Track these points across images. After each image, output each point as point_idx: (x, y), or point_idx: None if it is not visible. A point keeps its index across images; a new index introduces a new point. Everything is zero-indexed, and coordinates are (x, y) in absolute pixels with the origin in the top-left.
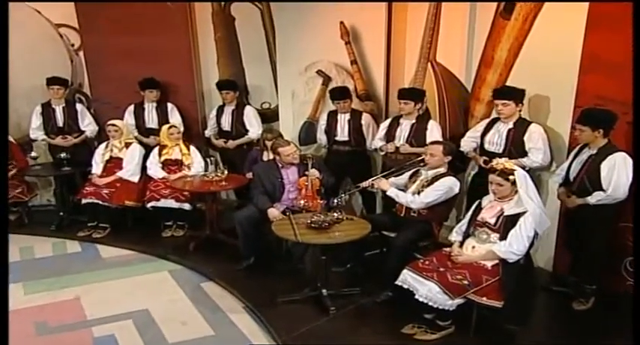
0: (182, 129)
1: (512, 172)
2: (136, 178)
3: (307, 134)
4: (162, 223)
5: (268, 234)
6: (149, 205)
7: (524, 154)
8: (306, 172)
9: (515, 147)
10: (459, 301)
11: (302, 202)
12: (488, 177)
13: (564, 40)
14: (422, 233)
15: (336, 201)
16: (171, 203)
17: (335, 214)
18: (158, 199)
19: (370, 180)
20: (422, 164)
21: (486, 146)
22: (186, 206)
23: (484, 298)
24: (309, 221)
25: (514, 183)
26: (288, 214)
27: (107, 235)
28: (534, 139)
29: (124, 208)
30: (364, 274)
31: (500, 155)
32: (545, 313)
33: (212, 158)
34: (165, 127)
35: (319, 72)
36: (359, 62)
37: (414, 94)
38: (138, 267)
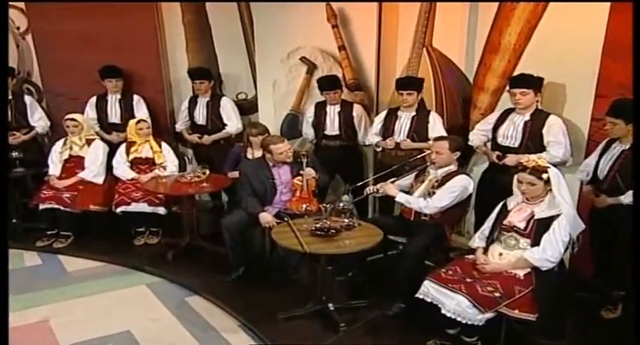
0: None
1: (545, 169)
2: (100, 179)
3: (290, 128)
4: (132, 229)
5: (256, 240)
6: (118, 209)
7: (543, 148)
8: (301, 172)
9: (532, 141)
10: (489, 315)
11: (304, 206)
12: (517, 176)
13: (585, 23)
14: (435, 238)
15: (342, 205)
16: (143, 207)
17: (345, 220)
18: (129, 203)
19: (378, 185)
20: (429, 163)
21: (499, 140)
22: (161, 210)
23: (516, 311)
24: (313, 228)
25: (547, 182)
26: (287, 219)
27: (70, 245)
28: (554, 132)
29: (88, 213)
30: (368, 282)
31: (515, 150)
32: (572, 322)
33: (190, 157)
34: (133, 122)
35: (303, 59)
36: (348, 48)
37: (417, 84)
38: (110, 281)
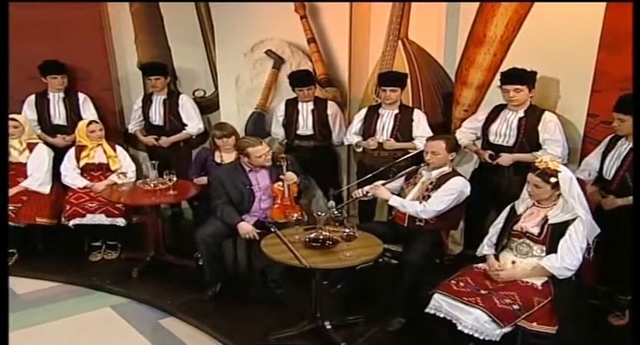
0: None
1: (555, 173)
2: (46, 189)
3: (255, 127)
4: (87, 244)
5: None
6: (71, 222)
7: (538, 147)
8: (281, 176)
9: (527, 139)
10: (507, 329)
11: (294, 215)
12: (528, 176)
13: (579, 13)
14: (434, 245)
15: (336, 212)
16: (101, 219)
17: (346, 230)
18: (83, 215)
19: (366, 187)
20: (423, 164)
21: (492, 138)
22: (120, 222)
23: (534, 324)
24: (307, 239)
25: (555, 186)
26: (273, 229)
27: (15, 264)
28: (550, 129)
29: (33, 227)
30: (360, 294)
31: (510, 148)
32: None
33: (155, 162)
34: (83, 124)
35: (269, 52)
36: (318, 41)
37: (401, 80)
38: (70, 304)
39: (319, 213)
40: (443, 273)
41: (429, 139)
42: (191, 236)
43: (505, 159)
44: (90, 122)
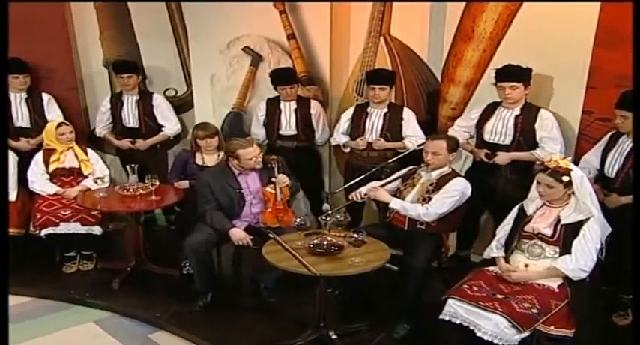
0: None
1: (567, 171)
2: (12, 196)
3: (232, 128)
4: (58, 254)
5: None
6: (43, 232)
7: (535, 145)
8: (272, 179)
9: (524, 137)
10: (525, 333)
11: (297, 220)
12: (537, 177)
13: (573, 7)
14: (436, 248)
15: (339, 216)
16: (76, 228)
17: (355, 235)
18: (56, 224)
19: (364, 189)
20: (422, 165)
21: (487, 137)
22: (97, 230)
23: (552, 328)
24: (310, 245)
25: (567, 185)
26: (273, 236)
27: None
28: (547, 127)
29: None
30: (359, 301)
31: (507, 147)
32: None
33: (135, 166)
34: (52, 126)
35: (246, 49)
36: (298, 37)
37: (390, 77)
38: (49, 320)
39: (323, 218)
40: (441, 276)
41: (430, 138)
42: (168, 243)
43: (502, 158)
44: (59, 124)
